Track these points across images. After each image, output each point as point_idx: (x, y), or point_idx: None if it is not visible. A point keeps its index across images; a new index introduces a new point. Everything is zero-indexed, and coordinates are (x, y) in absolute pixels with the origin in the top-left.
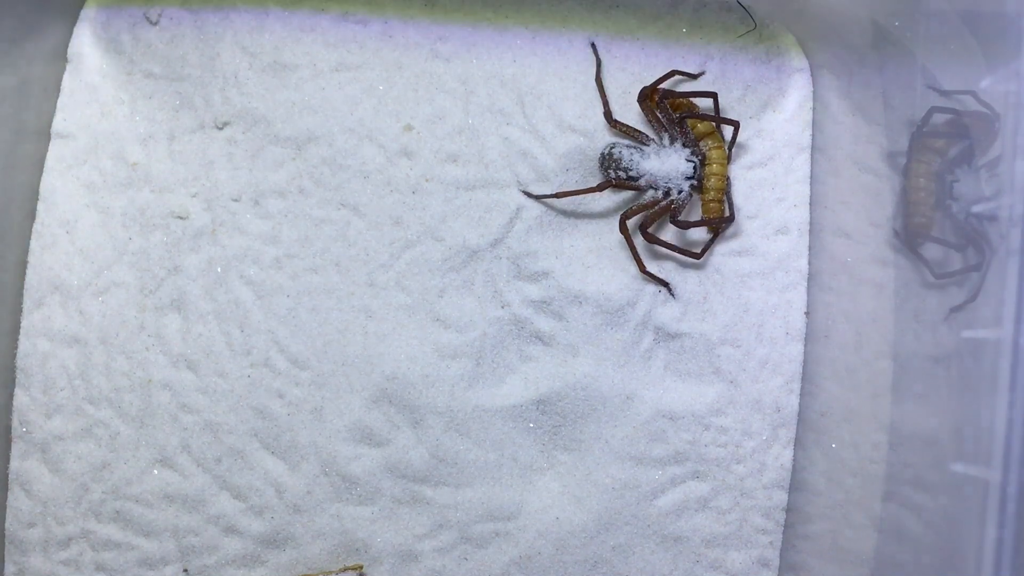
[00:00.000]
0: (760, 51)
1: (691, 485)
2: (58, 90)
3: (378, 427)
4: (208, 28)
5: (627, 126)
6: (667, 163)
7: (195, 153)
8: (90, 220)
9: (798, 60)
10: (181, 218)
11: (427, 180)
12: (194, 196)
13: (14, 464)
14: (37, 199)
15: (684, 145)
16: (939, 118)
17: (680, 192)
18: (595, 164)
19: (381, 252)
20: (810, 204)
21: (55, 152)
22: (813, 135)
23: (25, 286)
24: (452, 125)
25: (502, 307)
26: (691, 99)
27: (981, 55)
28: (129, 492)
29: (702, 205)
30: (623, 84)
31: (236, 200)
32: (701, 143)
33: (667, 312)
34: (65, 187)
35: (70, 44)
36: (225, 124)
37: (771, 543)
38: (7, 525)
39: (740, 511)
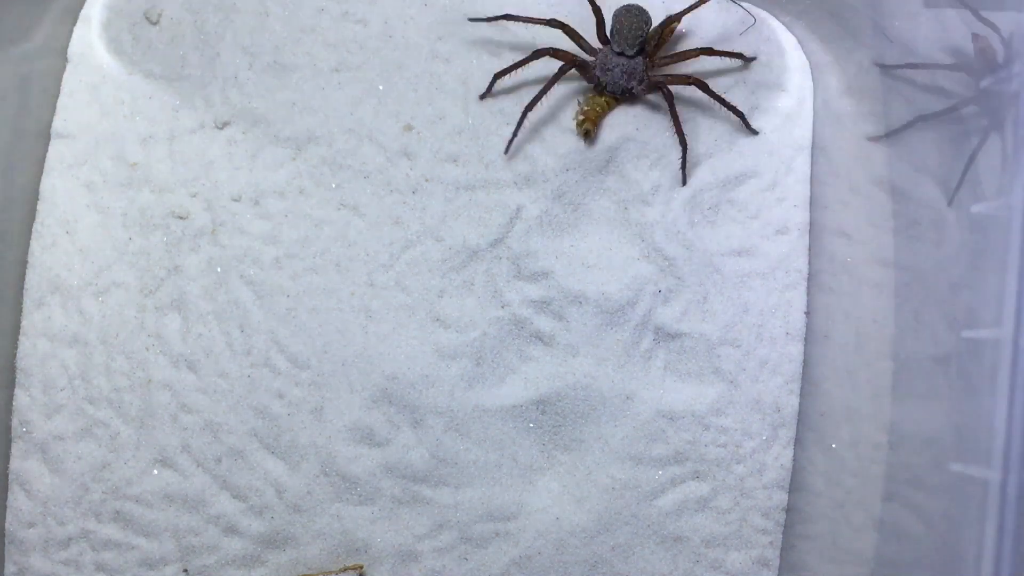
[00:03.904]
0: (760, 51)
1: (691, 485)
2: (58, 90)
3: (378, 427)
4: (208, 28)
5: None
6: (621, 68)
7: (195, 153)
8: (90, 220)
9: (798, 60)
10: (181, 218)
11: (427, 180)
12: (194, 196)
13: (14, 464)
14: (37, 199)
15: (646, 73)
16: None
17: (606, 74)
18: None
19: (381, 252)
20: (810, 204)
21: (55, 152)
22: (813, 135)
23: (25, 286)
24: (452, 125)
25: (502, 307)
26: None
27: (981, 56)
28: (129, 492)
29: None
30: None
31: (236, 200)
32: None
33: (667, 312)
34: (65, 187)
35: (70, 44)
36: (225, 124)
37: (771, 543)
38: (7, 525)
39: (740, 511)
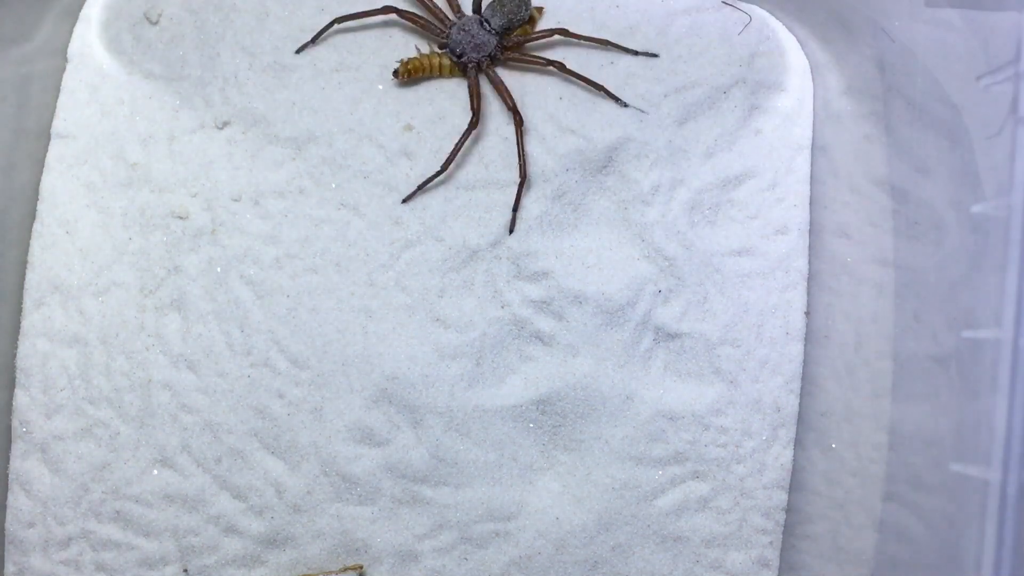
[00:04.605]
0: (759, 51)
1: (691, 485)
2: (58, 90)
3: (378, 427)
4: (208, 28)
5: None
6: (474, 37)
7: (195, 153)
8: (90, 220)
9: (798, 60)
10: (181, 218)
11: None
12: (194, 196)
13: (14, 464)
14: (37, 199)
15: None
16: None
17: (459, 33)
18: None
19: (381, 252)
20: (810, 204)
21: (55, 152)
22: (813, 135)
23: (25, 286)
24: (452, 125)
25: (502, 307)
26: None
27: (981, 55)
28: (129, 492)
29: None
30: (631, 90)
31: (236, 200)
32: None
33: (667, 312)
34: (65, 187)
35: (70, 44)
36: (225, 124)
37: (771, 543)
38: (7, 525)
39: (740, 511)
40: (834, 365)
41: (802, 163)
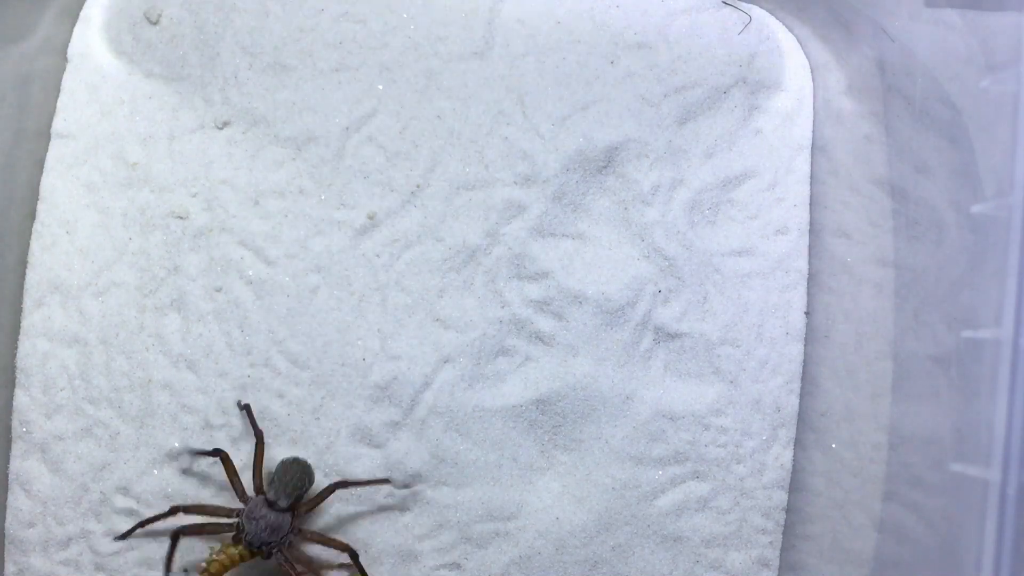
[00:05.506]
0: (759, 51)
1: (691, 485)
2: (58, 90)
3: (378, 427)
4: (208, 28)
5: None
6: (267, 520)
7: (195, 153)
8: (90, 220)
9: (798, 60)
10: (181, 218)
11: (427, 180)
12: (194, 196)
13: (14, 464)
14: (37, 199)
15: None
16: None
17: (251, 523)
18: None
19: (381, 252)
20: (810, 204)
21: (55, 152)
22: (813, 135)
23: (25, 286)
24: (452, 125)
25: (502, 307)
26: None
27: (981, 55)
28: (129, 492)
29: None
30: (631, 90)
31: (236, 200)
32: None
33: (667, 312)
34: (65, 187)
35: (70, 44)
36: (225, 124)
37: (771, 543)
38: (7, 525)
39: (740, 511)
40: (834, 365)
41: (802, 163)
